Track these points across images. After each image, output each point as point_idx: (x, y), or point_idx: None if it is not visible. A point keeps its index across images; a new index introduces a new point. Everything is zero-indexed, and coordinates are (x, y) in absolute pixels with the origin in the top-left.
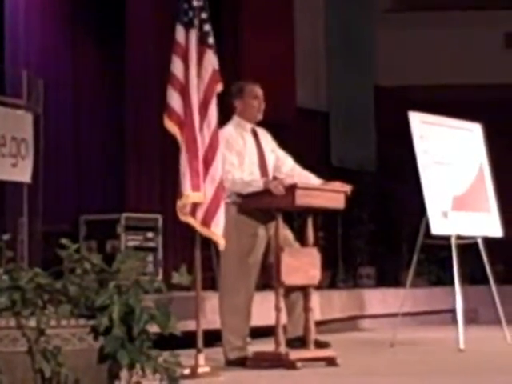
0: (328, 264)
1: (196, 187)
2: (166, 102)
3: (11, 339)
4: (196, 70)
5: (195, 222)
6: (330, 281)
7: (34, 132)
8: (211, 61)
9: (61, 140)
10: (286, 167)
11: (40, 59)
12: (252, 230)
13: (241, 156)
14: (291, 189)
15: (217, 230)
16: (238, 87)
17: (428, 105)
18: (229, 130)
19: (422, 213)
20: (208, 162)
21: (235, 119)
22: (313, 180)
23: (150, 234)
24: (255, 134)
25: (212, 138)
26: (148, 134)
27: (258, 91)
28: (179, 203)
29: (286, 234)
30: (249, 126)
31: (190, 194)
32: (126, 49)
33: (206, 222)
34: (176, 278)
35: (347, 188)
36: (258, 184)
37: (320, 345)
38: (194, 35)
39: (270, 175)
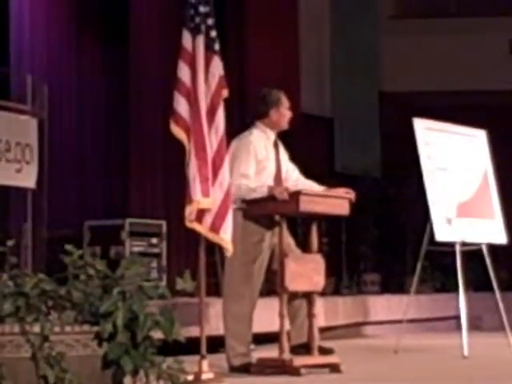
0: (332, 270)
1: (206, 193)
2: (172, 107)
3: (15, 345)
4: (203, 76)
5: (202, 229)
6: (334, 287)
7: (39, 137)
8: (217, 67)
9: (65, 145)
10: (291, 180)
11: (45, 65)
12: (258, 236)
13: (260, 165)
14: (295, 195)
15: (226, 236)
16: (275, 97)
17: (432, 111)
18: (255, 136)
19: (427, 219)
20: (216, 168)
21: (260, 127)
22: (316, 188)
23: (154, 240)
24: (276, 147)
25: (220, 143)
26: (152, 139)
27: (288, 102)
28: (188, 209)
29: (289, 240)
30: (273, 136)
31: (200, 200)
32: (130, 54)
33: (215, 228)
34: (180, 284)
35: (352, 194)
36: (262, 190)
37: (324, 351)
38: (201, 41)
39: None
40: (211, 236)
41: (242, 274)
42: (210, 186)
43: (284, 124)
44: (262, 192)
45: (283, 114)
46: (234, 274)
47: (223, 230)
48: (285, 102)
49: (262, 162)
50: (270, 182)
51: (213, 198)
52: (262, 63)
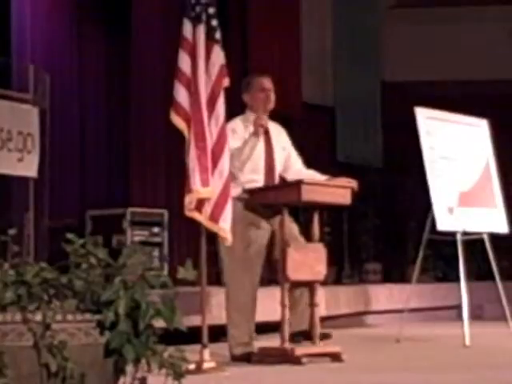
0: (334, 260)
1: (205, 182)
2: (172, 96)
3: (17, 334)
4: (204, 65)
5: (202, 218)
6: (336, 276)
7: (40, 127)
8: (218, 56)
9: (66, 135)
10: (292, 170)
11: (46, 54)
12: (255, 222)
13: None
14: (297, 184)
15: (225, 226)
16: (245, 81)
17: (434, 100)
18: (236, 121)
19: (428, 209)
20: (216, 158)
21: (246, 113)
22: (318, 177)
23: (155, 229)
24: (267, 131)
25: (220, 133)
26: (153, 128)
27: (265, 83)
28: (188, 198)
29: (292, 227)
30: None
31: (199, 190)
32: (131, 44)
33: (214, 218)
34: (181, 273)
35: (354, 184)
36: (248, 142)
37: (322, 336)
38: (201, 30)
39: (277, 172)
40: (210, 225)
41: (241, 262)
42: (210, 176)
43: (260, 106)
44: (248, 142)
45: (254, 97)
46: (233, 263)
47: (222, 220)
48: (256, 85)
49: None
50: (260, 165)
51: (212, 187)
52: (264, 53)
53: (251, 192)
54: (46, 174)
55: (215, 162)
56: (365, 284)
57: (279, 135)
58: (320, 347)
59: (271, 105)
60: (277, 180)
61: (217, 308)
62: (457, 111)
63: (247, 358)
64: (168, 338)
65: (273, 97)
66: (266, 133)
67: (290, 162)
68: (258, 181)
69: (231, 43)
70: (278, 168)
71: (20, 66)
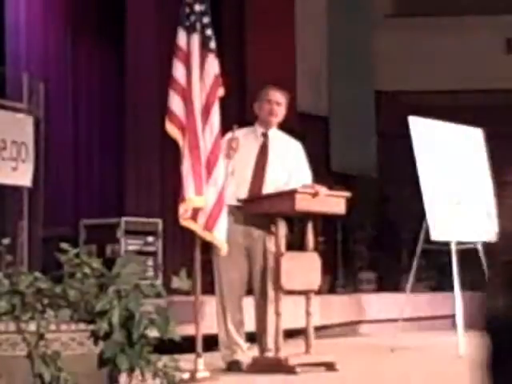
0: (328, 269)
1: (199, 192)
2: (167, 106)
3: (11, 343)
4: (198, 74)
5: (197, 227)
6: (330, 286)
7: (35, 136)
8: (213, 65)
9: (61, 144)
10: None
11: (41, 63)
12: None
13: (242, 158)
14: (291, 193)
15: (219, 235)
16: (258, 94)
17: (429, 110)
18: (240, 132)
19: (422, 218)
20: (210, 167)
21: (255, 124)
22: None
23: (149, 239)
24: (266, 139)
25: (214, 142)
26: (148, 137)
27: (272, 94)
28: (182, 207)
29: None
30: (260, 129)
31: (192, 198)
32: (126, 52)
33: (209, 227)
34: (176, 282)
35: (321, 189)
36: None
37: None
38: (196, 40)
39: (266, 184)
40: (205, 235)
41: (225, 272)
42: (204, 185)
43: (264, 116)
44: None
45: (261, 107)
46: (220, 271)
47: (216, 229)
48: (263, 95)
49: (243, 155)
50: (248, 174)
51: (206, 196)
52: (259, 62)
53: (246, 201)
54: (40, 183)
55: (209, 171)
56: (359, 293)
57: (286, 150)
58: (314, 357)
59: (275, 118)
60: (266, 191)
61: (211, 317)
62: (451, 121)
63: (238, 368)
64: (162, 348)
65: (280, 111)
66: (265, 140)
67: (290, 179)
68: (242, 192)
69: (227, 53)
70: (269, 179)
71: (14, 75)
